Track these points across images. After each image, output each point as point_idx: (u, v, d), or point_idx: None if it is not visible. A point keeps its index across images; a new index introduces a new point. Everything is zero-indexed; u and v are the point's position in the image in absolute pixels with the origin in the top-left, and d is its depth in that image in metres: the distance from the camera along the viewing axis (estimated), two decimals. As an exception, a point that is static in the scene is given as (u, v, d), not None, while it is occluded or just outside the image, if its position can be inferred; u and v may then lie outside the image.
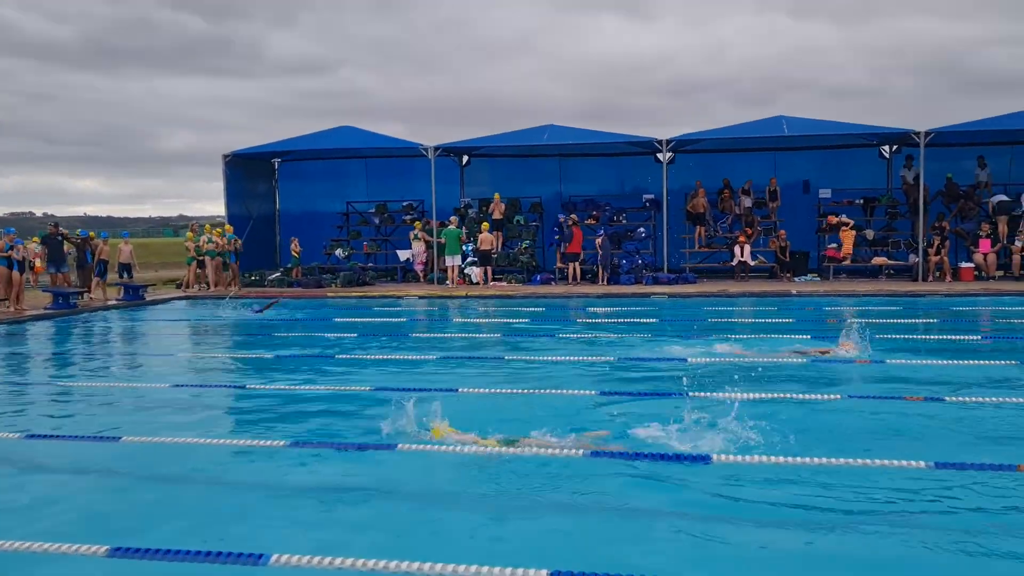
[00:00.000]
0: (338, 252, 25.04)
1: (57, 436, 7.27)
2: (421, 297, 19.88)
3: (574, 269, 22.10)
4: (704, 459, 5.80)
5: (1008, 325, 14.28)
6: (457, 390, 8.32)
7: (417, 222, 23.80)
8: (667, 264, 22.31)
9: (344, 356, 11.52)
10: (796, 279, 21.52)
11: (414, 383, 8.65)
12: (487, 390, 8.57)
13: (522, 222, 24.52)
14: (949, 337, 12.60)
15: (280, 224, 27.32)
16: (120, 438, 6.92)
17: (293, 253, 23.97)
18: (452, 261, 22.45)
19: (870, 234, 22.38)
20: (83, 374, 10.89)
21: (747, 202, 23.61)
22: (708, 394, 7.50)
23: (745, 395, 7.22)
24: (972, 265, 20.63)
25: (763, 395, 7.64)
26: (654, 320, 14.91)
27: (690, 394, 7.37)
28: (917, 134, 20.69)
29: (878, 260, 21.76)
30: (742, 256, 22.00)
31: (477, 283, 22.45)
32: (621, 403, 7.88)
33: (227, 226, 23.12)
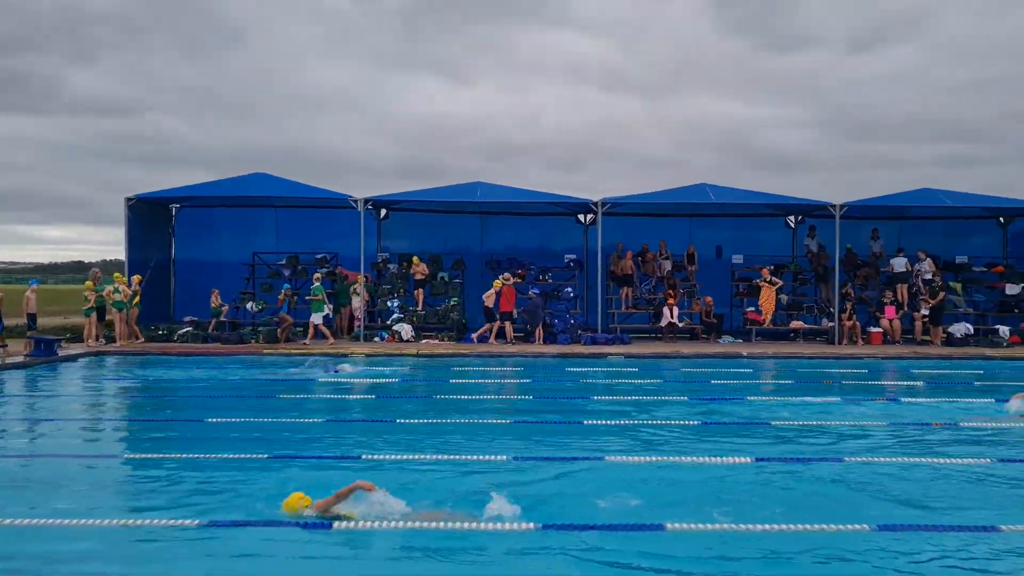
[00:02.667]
0: (250, 305, 23.51)
1: None
2: (369, 355, 18.91)
3: (509, 328, 21.80)
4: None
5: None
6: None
7: (358, 276, 22.62)
8: (601, 324, 22.46)
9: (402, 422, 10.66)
10: (720, 340, 22.28)
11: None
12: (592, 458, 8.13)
13: (446, 279, 24.02)
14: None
15: (176, 274, 25.34)
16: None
17: (213, 305, 22.22)
18: (316, 319, 21.36)
19: (784, 298, 23.58)
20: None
21: (667, 265, 24.35)
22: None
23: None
24: (880, 330, 22.13)
25: None
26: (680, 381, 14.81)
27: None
28: (833, 206, 22.13)
29: (795, 324, 22.93)
30: (671, 317, 22.53)
31: (408, 340, 21.72)
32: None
33: (136, 276, 21.18)
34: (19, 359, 16.67)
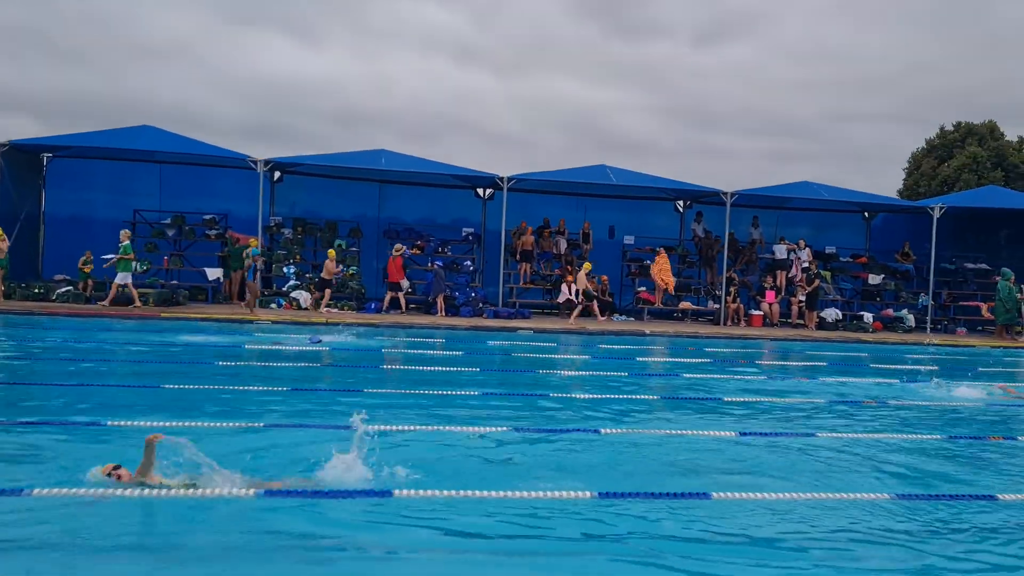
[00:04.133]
0: (134, 266, 22.14)
1: None
2: (275, 322, 18.32)
3: (402, 298, 21.69)
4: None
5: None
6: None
7: (253, 239, 21.69)
8: (501, 298, 22.70)
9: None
10: (614, 318, 23.04)
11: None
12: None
13: (343, 247, 23.53)
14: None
15: (45, 229, 23.54)
16: None
17: (83, 268, 20.78)
18: (122, 279, 19.90)
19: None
20: None
21: (563, 243, 24.88)
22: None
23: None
24: (760, 313, 23.53)
25: None
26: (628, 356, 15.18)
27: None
28: (724, 194, 23.24)
29: (684, 305, 24.00)
30: (569, 294, 23.05)
31: (306, 308, 21.21)
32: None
33: None
34: None
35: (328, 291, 21.06)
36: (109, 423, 7.71)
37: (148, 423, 7.56)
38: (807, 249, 24.65)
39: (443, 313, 21.55)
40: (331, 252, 21.54)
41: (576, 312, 21.73)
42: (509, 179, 22.69)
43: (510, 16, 70.81)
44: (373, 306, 21.74)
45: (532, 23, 69.06)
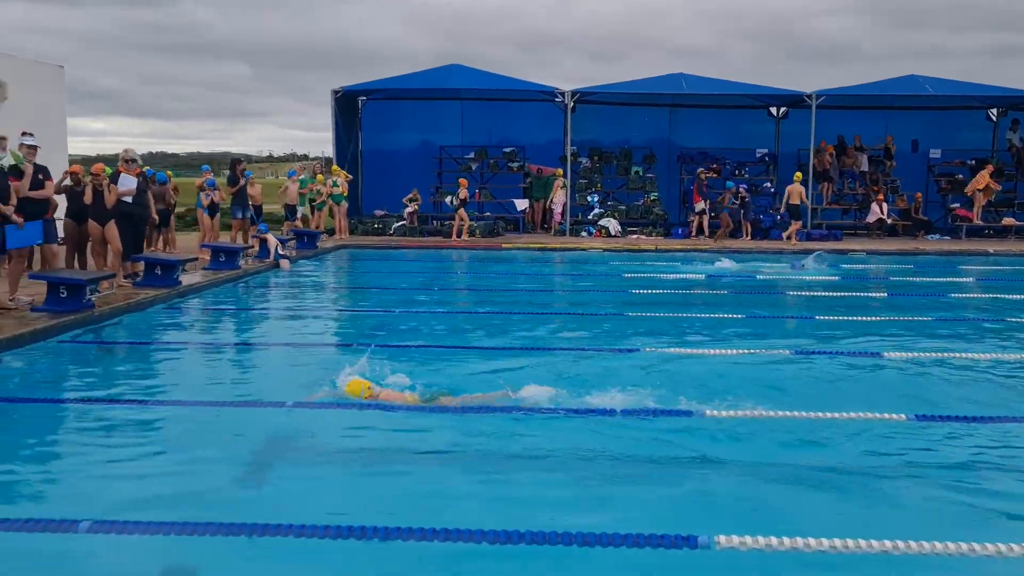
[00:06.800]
0: (448, 199, 23.55)
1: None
2: (606, 251, 19.01)
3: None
4: None
5: None
6: None
7: (559, 171, 22.53)
8: (809, 221, 22.22)
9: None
10: (928, 238, 21.95)
11: None
12: None
13: (640, 173, 23.80)
14: None
15: (363, 166, 25.41)
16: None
17: (412, 202, 22.29)
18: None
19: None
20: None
21: (865, 160, 23.86)
22: None
23: None
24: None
25: None
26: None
27: None
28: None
29: (1007, 221, 22.45)
30: (881, 213, 22.18)
31: (615, 235, 21.76)
32: None
33: (337, 167, 21.35)
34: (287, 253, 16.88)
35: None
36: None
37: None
38: None
39: (748, 236, 21.43)
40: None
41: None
42: (818, 95, 21.89)
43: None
44: (680, 231, 21.95)
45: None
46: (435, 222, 22.59)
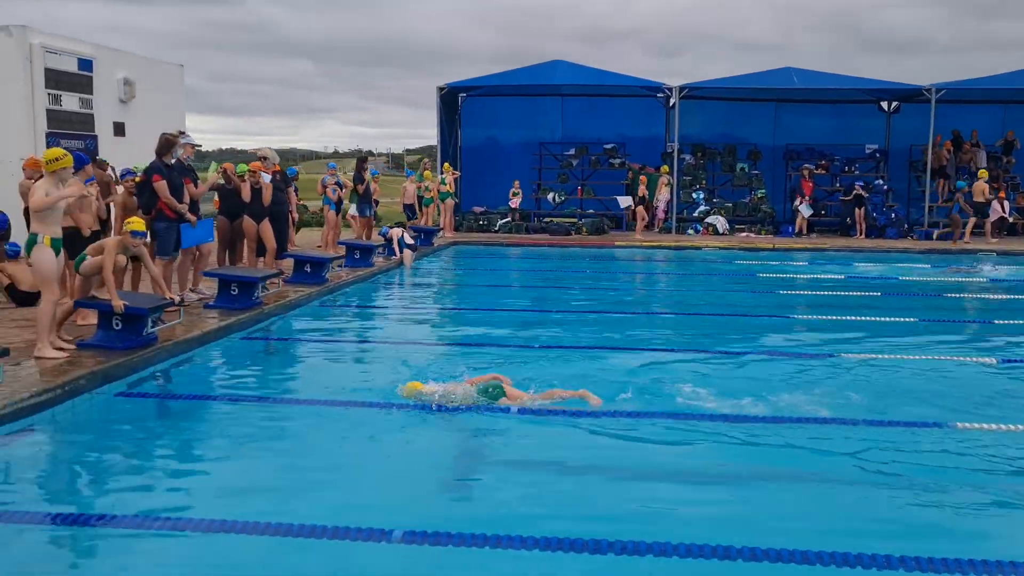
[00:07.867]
0: (550, 196, 23.41)
1: None
2: (721, 248, 18.65)
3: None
4: None
5: None
6: None
7: (664, 167, 22.23)
8: (927, 219, 21.53)
9: None
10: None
11: None
12: None
13: (746, 170, 23.32)
14: None
15: (462, 163, 25.39)
16: None
17: (515, 196, 22.21)
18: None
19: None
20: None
21: (982, 156, 23.00)
22: None
23: None
24: None
25: None
26: None
27: None
28: None
29: None
30: (1002, 212, 21.34)
31: (723, 233, 21.37)
32: None
33: (448, 165, 21.36)
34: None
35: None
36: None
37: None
38: None
39: (862, 234, 20.87)
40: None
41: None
42: (937, 89, 21.14)
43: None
44: (790, 230, 21.45)
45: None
46: (535, 219, 22.47)
